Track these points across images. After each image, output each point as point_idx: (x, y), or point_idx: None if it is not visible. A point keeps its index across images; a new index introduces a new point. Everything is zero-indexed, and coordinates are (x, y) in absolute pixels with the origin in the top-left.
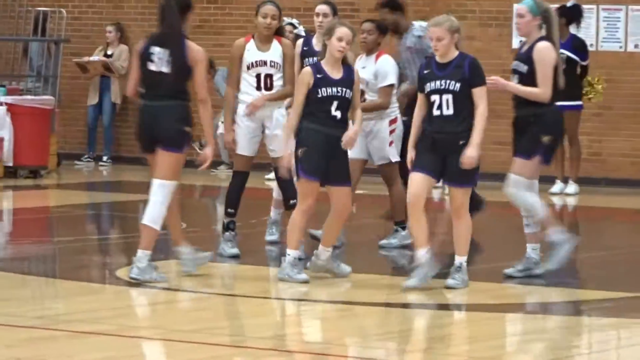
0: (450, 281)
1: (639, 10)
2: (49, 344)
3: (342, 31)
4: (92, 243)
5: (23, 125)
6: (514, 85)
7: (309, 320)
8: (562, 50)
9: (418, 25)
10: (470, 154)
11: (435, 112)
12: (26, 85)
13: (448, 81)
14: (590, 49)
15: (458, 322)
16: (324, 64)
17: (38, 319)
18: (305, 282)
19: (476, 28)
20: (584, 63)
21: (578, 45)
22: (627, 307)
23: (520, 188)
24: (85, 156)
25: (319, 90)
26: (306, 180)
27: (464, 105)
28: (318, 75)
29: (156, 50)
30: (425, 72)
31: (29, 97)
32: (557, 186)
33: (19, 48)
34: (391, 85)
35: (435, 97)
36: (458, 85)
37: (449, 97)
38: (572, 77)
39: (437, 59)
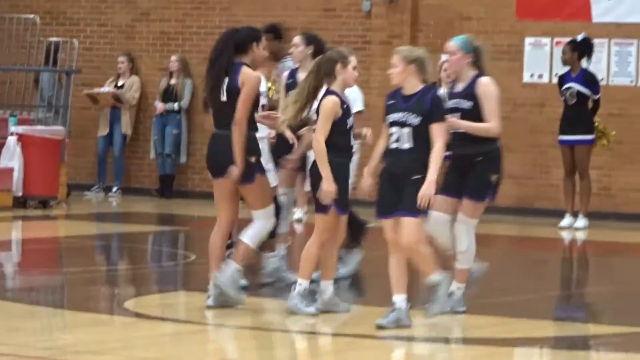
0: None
1: None
2: None
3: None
4: (101, 274)
5: (33, 155)
6: (467, 123)
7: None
8: (572, 84)
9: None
10: (424, 192)
11: (393, 145)
12: (37, 115)
13: (409, 114)
14: (601, 83)
15: (471, 357)
16: (340, 94)
17: (46, 349)
18: (314, 315)
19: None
20: (595, 97)
21: (589, 79)
22: (637, 343)
23: (471, 230)
24: (95, 187)
25: (347, 121)
26: (337, 216)
27: (423, 139)
28: (344, 106)
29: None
30: (389, 102)
31: (39, 127)
32: (567, 220)
33: (30, 78)
34: (359, 112)
35: (394, 130)
36: (418, 119)
37: (408, 130)
38: (583, 111)
39: (402, 90)
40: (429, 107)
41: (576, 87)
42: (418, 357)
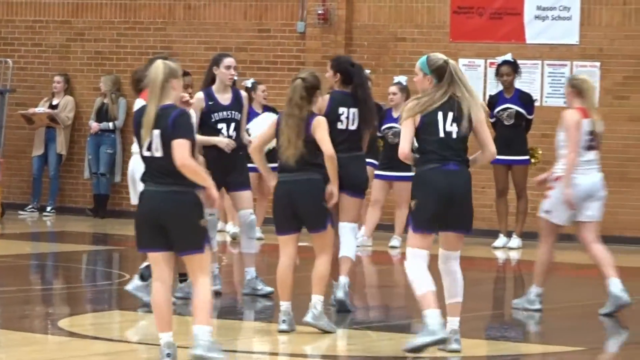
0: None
1: (584, 66)
2: None
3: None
4: (35, 293)
5: None
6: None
7: None
8: (510, 105)
9: None
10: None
11: None
12: None
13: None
14: (535, 103)
15: None
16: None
17: None
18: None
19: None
20: (529, 117)
21: (526, 100)
22: None
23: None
24: (30, 206)
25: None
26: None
27: None
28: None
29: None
30: None
31: None
32: (501, 240)
33: None
34: None
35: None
36: None
37: None
38: (520, 131)
39: None
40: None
41: (514, 107)
42: None
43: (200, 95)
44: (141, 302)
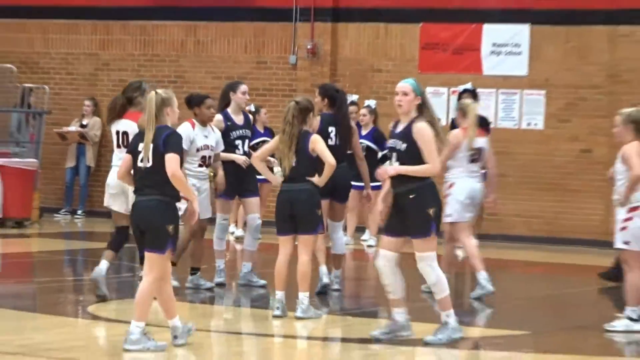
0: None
1: (531, 95)
2: None
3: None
4: (68, 283)
5: (11, 183)
6: (405, 168)
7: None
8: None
9: None
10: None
11: None
12: (14, 149)
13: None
14: (490, 125)
15: (389, 355)
16: None
17: (20, 347)
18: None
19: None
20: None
21: (483, 123)
22: (516, 343)
23: (432, 263)
24: (63, 210)
25: None
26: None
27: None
28: None
29: None
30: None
31: (16, 159)
32: None
33: (8, 118)
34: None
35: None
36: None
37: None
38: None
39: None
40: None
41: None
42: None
43: (219, 117)
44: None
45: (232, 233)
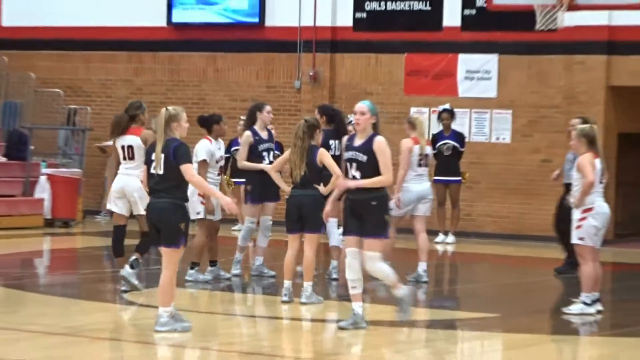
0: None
1: (499, 114)
2: (74, 347)
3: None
4: (107, 274)
5: (59, 189)
6: (364, 181)
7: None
8: (448, 141)
9: None
10: None
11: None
12: (62, 161)
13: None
14: (465, 140)
15: (367, 335)
16: None
17: (66, 328)
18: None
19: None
20: (461, 150)
21: (460, 137)
22: (488, 324)
23: (379, 260)
24: (102, 212)
25: None
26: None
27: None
28: None
29: None
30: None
31: (63, 169)
32: (440, 237)
33: (56, 134)
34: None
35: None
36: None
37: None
38: (455, 159)
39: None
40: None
41: (452, 142)
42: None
43: (248, 133)
44: (130, 285)
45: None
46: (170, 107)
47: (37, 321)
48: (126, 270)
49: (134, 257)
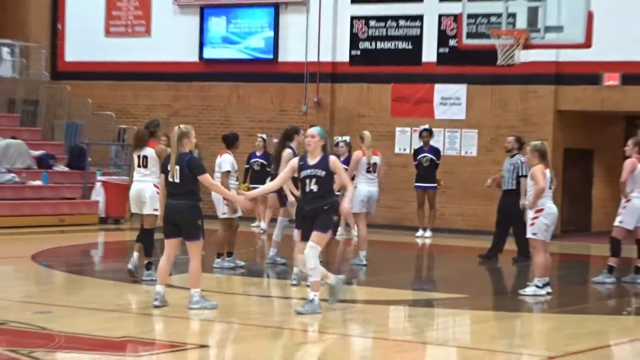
0: None
1: (468, 132)
2: (124, 321)
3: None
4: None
5: (111, 192)
6: (347, 199)
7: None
8: (427, 154)
9: None
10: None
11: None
12: (113, 170)
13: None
14: (441, 153)
15: (361, 312)
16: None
17: (118, 305)
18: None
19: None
20: (438, 162)
21: (436, 151)
22: (458, 303)
23: (317, 254)
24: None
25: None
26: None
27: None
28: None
29: None
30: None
31: (114, 177)
32: (420, 232)
33: (109, 149)
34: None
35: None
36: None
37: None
38: (433, 170)
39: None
40: (185, 167)
41: (430, 155)
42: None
43: (289, 150)
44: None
45: (258, 226)
46: (182, 125)
47: (94, 300)
48: (145, 274)
49: (146, 261)
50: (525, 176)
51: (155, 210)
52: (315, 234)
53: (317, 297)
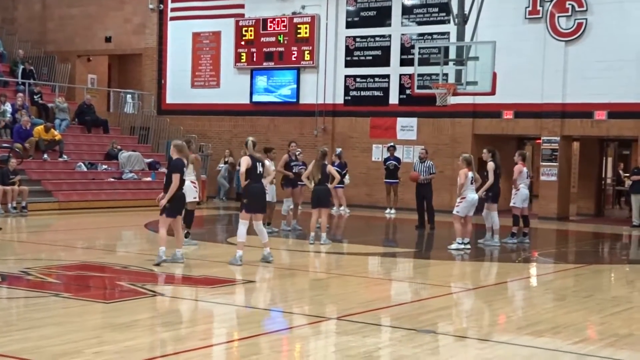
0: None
1: (417, 147)
2: (200, 270)
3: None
4: (221, 228)
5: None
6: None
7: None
8: (392, 161)
9: None
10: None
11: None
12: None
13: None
14: (401, 160)
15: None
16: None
17: (200, 256)
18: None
19: (359, 154)
20: (399, 166)
21: (397, 159)
22: (411, 255)
23: (242, 225)
24: (217, 197)
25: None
26: None
27: None
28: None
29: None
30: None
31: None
32: (387, 210)
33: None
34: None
35: None
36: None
37: None
38: (395, 172)
39: None
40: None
41: (394, 162)
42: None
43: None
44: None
45: (341, 210)
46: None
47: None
48: (186, 241)
49: (186, 231)
50: (434, 173)
51: (195, 198)
52: (241, 214)
53: (239, 253)
